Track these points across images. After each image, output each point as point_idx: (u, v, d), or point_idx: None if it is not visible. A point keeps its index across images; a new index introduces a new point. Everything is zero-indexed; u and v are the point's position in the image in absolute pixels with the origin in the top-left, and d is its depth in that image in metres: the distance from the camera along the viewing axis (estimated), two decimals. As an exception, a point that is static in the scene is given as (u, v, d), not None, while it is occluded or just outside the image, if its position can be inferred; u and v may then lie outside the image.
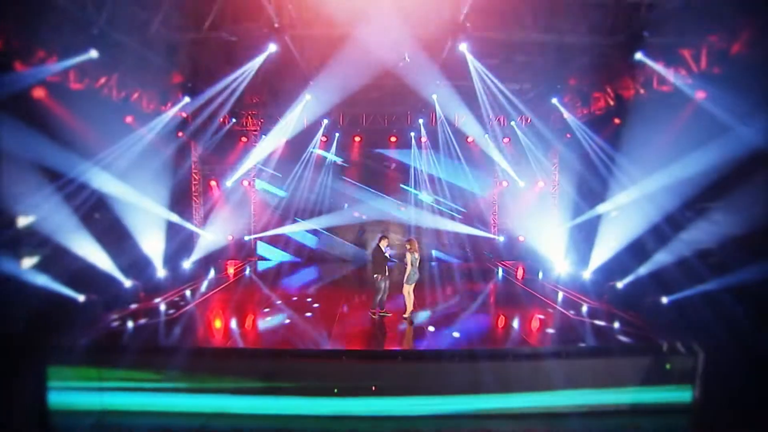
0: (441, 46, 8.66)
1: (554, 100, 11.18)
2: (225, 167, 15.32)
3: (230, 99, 10.15)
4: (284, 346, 7.46)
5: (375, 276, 8.92)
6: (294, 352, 7.25)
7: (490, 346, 7.68)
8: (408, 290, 8.80)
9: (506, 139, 15.41)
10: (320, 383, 6.80)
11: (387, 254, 8.88)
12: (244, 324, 8.69)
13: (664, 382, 7.06)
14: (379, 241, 8.96)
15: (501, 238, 16.84)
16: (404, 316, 8.87)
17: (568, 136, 14.65)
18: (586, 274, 11.31)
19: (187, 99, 10.87)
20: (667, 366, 7.09)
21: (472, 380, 6.86)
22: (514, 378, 6.97)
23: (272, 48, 8.33)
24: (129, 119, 9.70)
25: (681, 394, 7.04)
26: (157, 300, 9.85)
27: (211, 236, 14.90)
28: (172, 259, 12.05)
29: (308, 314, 9.23)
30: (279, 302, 10.14)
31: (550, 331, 8.24)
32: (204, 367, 6.99)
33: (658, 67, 8.94)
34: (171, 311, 9.25)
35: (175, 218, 12.49)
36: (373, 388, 6.75)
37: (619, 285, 9.86)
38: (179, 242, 13.02)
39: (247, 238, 16.39)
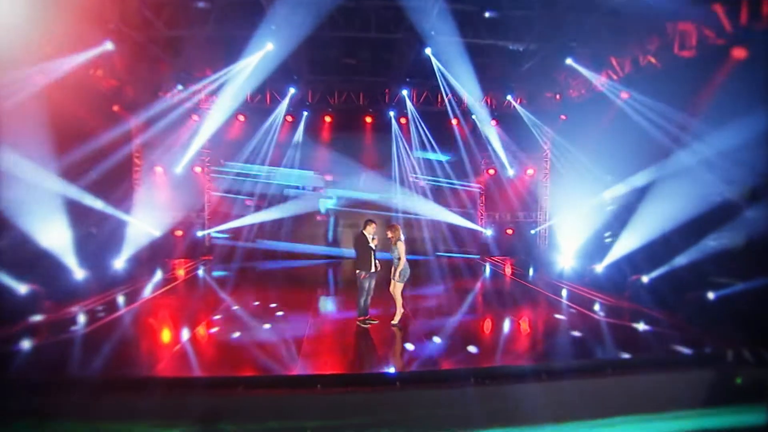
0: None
1: (569, 61, 9.54)
2: (173, 149, 12.86)
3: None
4: (235, 372, 5.37)
5: (358, 272, 6.98)
6: (248, 380, 5.19)
7: (512, 360, 5.89)
8: (398, 289, 6.92)
9: (494, 122, 13.87)
10: (286, 423, 4.81)
11: (373, 244, 6.94)
12: (180, 341, 6.45)
13: (733, 401, 5.54)
14: (364, 227, 7.02)
15: (489, 232, 15.31)
16: (393, 322, 7.01)
17: (563, 117, 13.38)
18: (599, 268, 9.80)
19: (109, 45, 8.36)
20: (738, 380, 5.58)
21: (494, 408, 5.14)
22: (549, 402, 5.25)
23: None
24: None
25: (753, 416, 5.51)
26: (65, 311, 7.44)
27: (153, 230, 12.45)
28: (96, 256, 9.55)
29: (269, 325, 7.12)
30: (232, 310, 7.97)
31: (581, 338, 6.56)
32: (117, 406, 4.85)
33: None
34: (80, 326, 6.95)
35: (100, 205, 9.99)
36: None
37: (645, 279, 8.36)
38: (109, 236, 10.53)
39: (200, 233, 14.05)
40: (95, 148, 9.64)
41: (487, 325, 7.52)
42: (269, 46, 8.90)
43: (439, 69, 9.77)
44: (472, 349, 6.11)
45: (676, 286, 7.67)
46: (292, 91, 12.25)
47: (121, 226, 11.18)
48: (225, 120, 12.50)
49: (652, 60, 9.10)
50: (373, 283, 7.11)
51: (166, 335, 6.96)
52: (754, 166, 7.36)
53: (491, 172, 14.98)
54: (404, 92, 12.54)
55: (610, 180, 10.97)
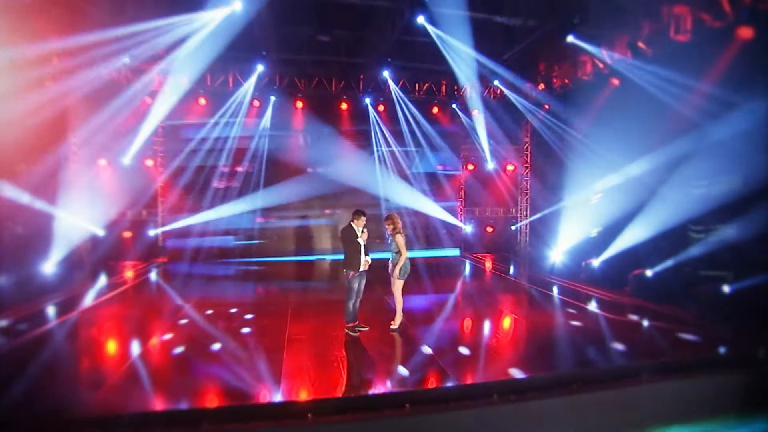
0: None
1: (570, 38, 8.88)
2: (119, 136, 11.19)
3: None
4: (198, 403, 4.17)
5: (345, 272, 5.93)
6: (216, 412, 4.01)
7: (538, 370, 5.02)
8: (399, 288, 5.96)
9: (475, 111, 13.21)
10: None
11: (362, 239, 5.92)
12: (125, 365, 5.10)
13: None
14: (353, 219, 5.97)
15: (468, 228, 14.64)
16: (393, 327, 6.05)
17: (547, 107, 12.91)
18: (596, 262, 9.25)
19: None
20: (775, 381, 5.05)
21: (524, 428, 4.33)
22: (585, 415, 4.49)
23: None
24: None
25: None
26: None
27: (96, 229, 10.78)
28: (19, 259, 7.89)
29: (240, 336, 5.92)
30: (191, 321, 6.64)
31: (602, 342, 5.85)
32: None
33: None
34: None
35: (27, 199, 8.30)
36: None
37: (649, 273, 7.84)
38: (38, 236, 8.82)
39: (152, 232, 12.44)
40: (21, 132, 7.97)
41: (494, 328, 6.66)
42: (237, 5, 7.57)
43: (436, 34, 8.70)
44: (481, 356, 5.25)
45: (684, 280, 7.20)
46: (260, 68, 10.90)
47: (55, 223, 9.44)
48: (180, 99, 10.98)
49: (643, 46, 8.65)
50: (363, 283, 6.10)
51: (106, 357, 5.56)
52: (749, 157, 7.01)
53: (470, 167, 14.37)
54: (386, 73, 11.52)
55: (597, 173, 10.55)
